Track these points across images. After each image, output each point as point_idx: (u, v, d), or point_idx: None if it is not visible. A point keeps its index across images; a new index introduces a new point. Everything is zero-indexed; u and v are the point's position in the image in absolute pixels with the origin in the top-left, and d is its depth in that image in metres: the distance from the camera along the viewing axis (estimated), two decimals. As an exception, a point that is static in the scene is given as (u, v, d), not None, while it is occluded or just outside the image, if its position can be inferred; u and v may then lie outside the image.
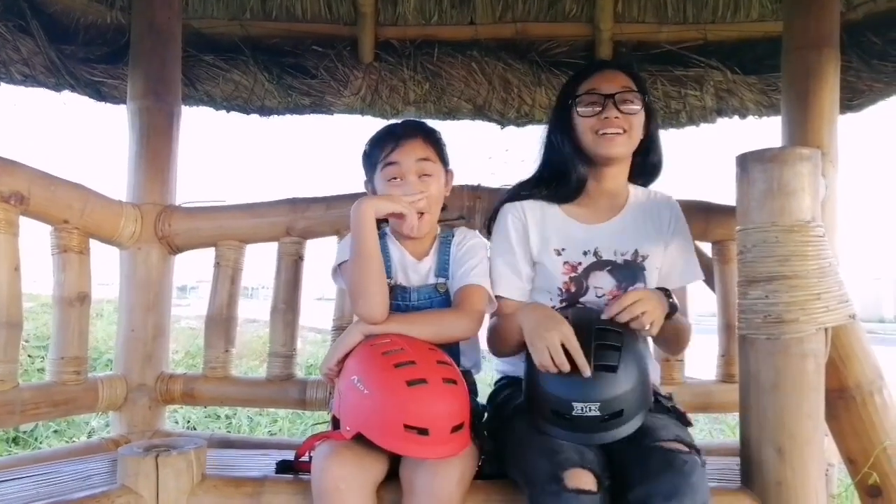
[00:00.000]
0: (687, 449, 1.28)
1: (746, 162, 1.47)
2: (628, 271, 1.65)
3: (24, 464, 1.85)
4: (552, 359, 1.34)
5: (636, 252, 1.66)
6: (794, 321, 1.40)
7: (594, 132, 1.62)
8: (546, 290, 1.67)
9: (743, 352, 1.51)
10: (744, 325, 1.49)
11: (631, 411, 1.34)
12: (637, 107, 1.63)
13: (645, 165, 1.74)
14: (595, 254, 1.65)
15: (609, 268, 1.65)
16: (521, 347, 1.49)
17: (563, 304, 1.64)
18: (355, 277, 1.49)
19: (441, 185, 1.63)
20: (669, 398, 1.54)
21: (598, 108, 1.61)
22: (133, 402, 2.21)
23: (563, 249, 1.66)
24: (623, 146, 1.63)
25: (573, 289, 1.64)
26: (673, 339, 1.67)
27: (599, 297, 1.64)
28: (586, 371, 1.32)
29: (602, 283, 1.64)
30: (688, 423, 1.48)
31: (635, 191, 1.75)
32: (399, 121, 1.71)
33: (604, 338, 1.36)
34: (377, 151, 1.60)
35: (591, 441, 1.33)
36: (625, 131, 1.61)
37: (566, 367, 1.33)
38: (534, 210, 1.69)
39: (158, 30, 2.37)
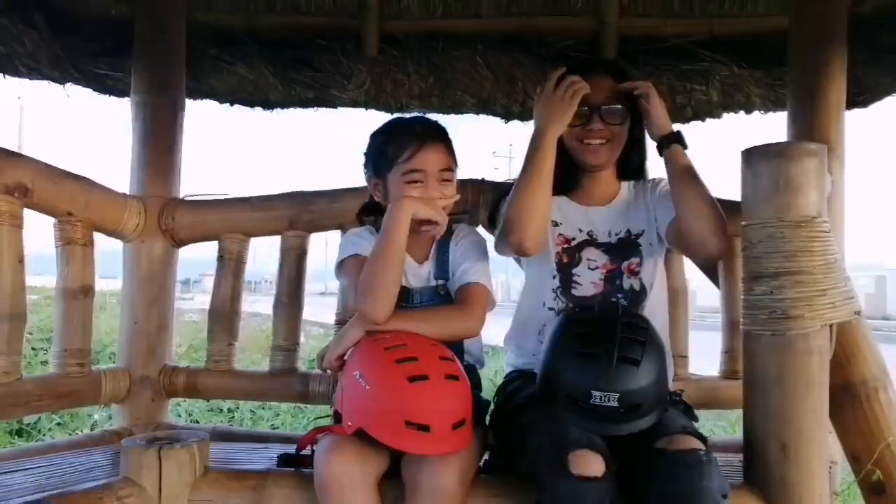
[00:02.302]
0: (692, 446, 1.27)
1: (752, 157, 1.47)
2: (622, 248, 1.70)
3: (27, 455, 1.86)
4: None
5: (629, 231, 1.72)
6: (799, 317, 1.39)
7: (578, 140, 1.67)
8: (543, 258, 1.70)
9: (747, 348, 1.51)
10: (748, 321, 1.49)
11: (648, 407, 1.34)
12: (620, 119, 1.67)
13: (630, 165, 1.77)
14: (589, 234, 1.72)
15: (603, 248, 1.71)
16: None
17: (559, 272, 1.68)
18: (373, 274, 1.46)
19: (455, 188, 1.61)
20: (678, 394, 1.54)
21: (584, 119, 1.65)
22: (136, 394, 2.21)
23: (560, 223, 1.72)
24: (605, 156, 1.69)
25: (565, 259, 1.70)
26: (687, 176, 1.59)
27: (592, 268, 1.69)
28: None
29: (595, 256, 1.70)
30: (694, 418, 1.49)
31: (627, 185, 1.79)
32: (409, 116, 1.69)
33: (629, 331, 1.37)
34: (396, 150, 1.55)
35: (606, 432, 1.33)
36: (608, 140, 1.66)
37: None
38: None
39: (162, 23, 2.37)
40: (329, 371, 1.53)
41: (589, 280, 1.68)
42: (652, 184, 1.77)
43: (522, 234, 1.57)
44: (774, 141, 1.49)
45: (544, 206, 1.59)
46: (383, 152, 1.58)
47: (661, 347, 1.42)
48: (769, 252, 1.43)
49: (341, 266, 1.64)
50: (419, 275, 1.64)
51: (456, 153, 1.63)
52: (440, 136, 1.58)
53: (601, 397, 1.31)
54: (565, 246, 1.70)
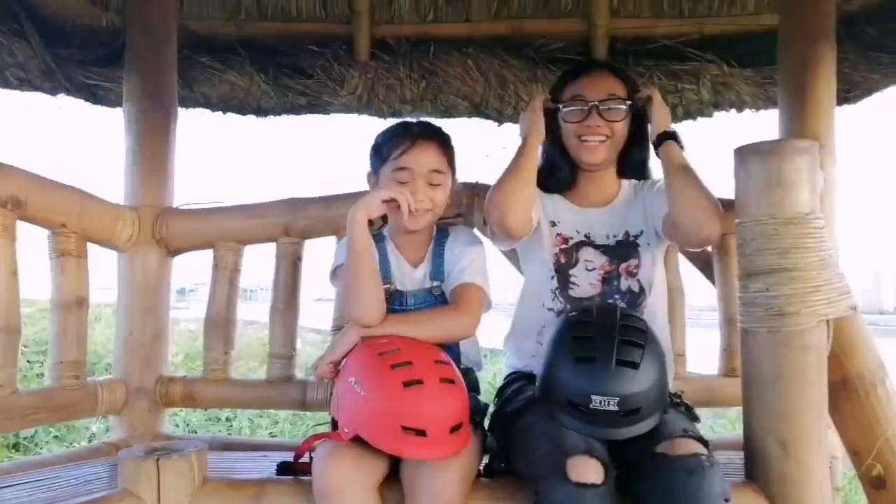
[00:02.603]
0: (693, 451, 1.26)
1: (744, 155, 1.47)
2: (621, 250, 1.69)
3: (24, 469, 1.83)
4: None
5: (627, 233, 1.71)
6: (796, 314, 1.39)
7: (577, 137, 1.67)
8: (541, 259, 1.70)
9: (745, 345, 1.51)
10: (745, 318, 1.49)
11: (648, 410, 1.34)
12: (620, 116, 1.67)
13: (632, 163, 1.77)
14: (586, 236, 1.71)
15: (602, 249, 1.70)
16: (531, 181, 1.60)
17: (557, 273, 1.67)
18: (349, 281, 1.49)
19: (447, 193, 1.61)
20: (678, 395, 1.54)
21: (582, 116, 1.65)
22: (133, 405, 2.19)
23: (557, 222, 1.72)
24: (603, 153, 1.68)
25: (563, 260, 1.69)
26: (681, 170, 1.59)
27: (590, 269, 1.68)
28: None
29: (593, 258, 1.69)
30: (695, 418, 1.48)
31: (627, 184, 1.79)
32: (413, 119, 1.69)
33: (627, 334, 1.36)
34: (390, 147, 1.57)
35: (606, 436, 1.32)
36: (608, 137, 1.66)
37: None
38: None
39: (154, 31, 2.36)
40: (324, 379, 1.52)
41: (586, 281, 1.67)
42: (650, 182, 1.77)
43: (504, 209, 1.57)
44: (766, 139, 1.49)
45: (527, 189, 1.60)
46: (380, 149, 1.60)
47: (661, 350, 1.41)
48: (763, 249, 1.42)
49: (335, 273, 1.64)
50: (414, 278, 1.63)
51: (454, 157, 1.63)
52: (436, 138, 1.59)
53: (601, 401, 1.31)
54: (563, 246, 1.70)
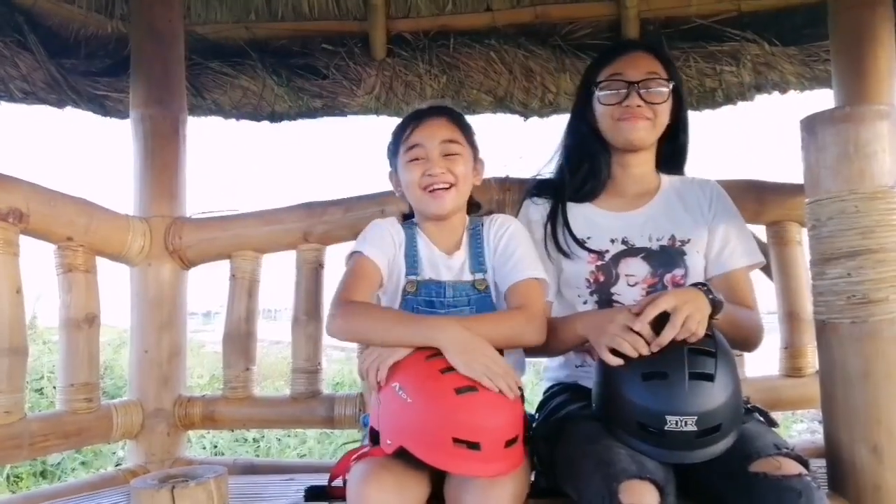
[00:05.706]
0: (797, 471, 1.11)
1: (814, 125, 1.34)
2: (665, 257, 1.53)
3: (36, 501, 1.75)
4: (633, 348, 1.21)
5: (673, 237, 1.54)
6: (884, 300, 1.27)
7: (613, 118, 1.52)
8: (573, 285, 1.56)
9: (823, 340, 1.38)
10: (822, 309, 1.36)
11: (728, 426, 1.18)
12: (664, 96, 1.51)
13: (672, 150, 1.62)
14: (624, 242, 1.55)
15: (643, 255, 1.53)
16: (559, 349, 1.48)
17: (593, 295, 1.54)
18: (367, 329, 1.32)
19: (469, 166, 1.49)
20: (747, 400, 1.37)
21: (621, 96, 1.51)
22: (150, 428, 2.07)
23: (587, 238, 1.56)
24: (645, 131, 1.52)
25: (601, 278, 1.53)
26: (733, 335, 1.40)
27: (632, 285, 1.52)
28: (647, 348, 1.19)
29: (634, 270, 1.53)
30: (773, 424, 1.31)
31: (668, 178, 1.63)
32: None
33: (697, 342, 1.20)
34: (399, 133, 1.51)
35: (685, 459, 1.18)
36: (648, 120, 1.51)
37: (647, 346, 1.20)
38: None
39: (159, 33, 2.25)
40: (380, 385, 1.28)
41: (630, 297, 1.51)
42: (703, 190, 1.59)
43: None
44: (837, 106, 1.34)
45: None
46: (393, 143, 1.55)
47: (731, 355, 1.25)
48: (842, 229, 1.31)
49: (350, 257, 1.51)
50: (451, 266, 1.51)
51: (472, 133, 1.54)
52: (444, 112, 1.52)
53: (677, 422, 1.15)
54: (599, 263, 1.54)
